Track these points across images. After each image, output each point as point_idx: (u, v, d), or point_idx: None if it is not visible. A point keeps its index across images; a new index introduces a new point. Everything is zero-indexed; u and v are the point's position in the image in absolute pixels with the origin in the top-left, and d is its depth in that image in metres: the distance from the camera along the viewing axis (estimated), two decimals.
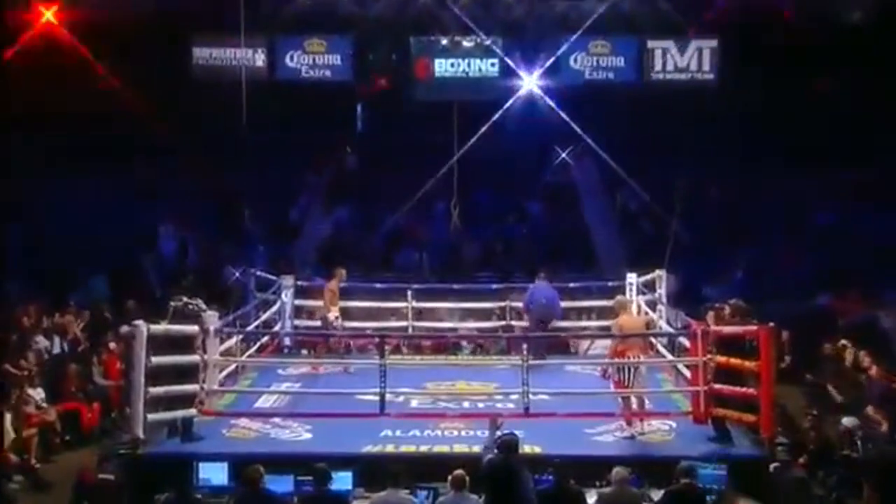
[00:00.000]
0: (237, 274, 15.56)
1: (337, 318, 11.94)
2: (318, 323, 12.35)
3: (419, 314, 14.24)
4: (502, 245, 19.14)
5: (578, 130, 17.84)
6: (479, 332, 13.88)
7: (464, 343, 14.13)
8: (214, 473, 8.06)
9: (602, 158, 18.41)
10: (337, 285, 12.06)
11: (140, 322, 8.59)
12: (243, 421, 9.45)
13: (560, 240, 19.29)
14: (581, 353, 13.55)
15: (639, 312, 12.88)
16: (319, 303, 14.25)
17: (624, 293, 13.15)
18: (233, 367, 10.82)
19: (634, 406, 9.19)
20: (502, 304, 13.27)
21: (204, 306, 9.30)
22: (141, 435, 8.46)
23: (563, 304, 13.95)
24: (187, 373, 8.91)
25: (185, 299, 9.21)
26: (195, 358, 8.99)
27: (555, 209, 20.29)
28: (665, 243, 13.90)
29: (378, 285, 14.42)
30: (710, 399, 8.89)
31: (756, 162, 19.28)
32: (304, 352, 13.47)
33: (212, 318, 9.36)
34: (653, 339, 12.20)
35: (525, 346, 9.28)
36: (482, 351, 14.08)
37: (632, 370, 9.08)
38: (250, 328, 12.02)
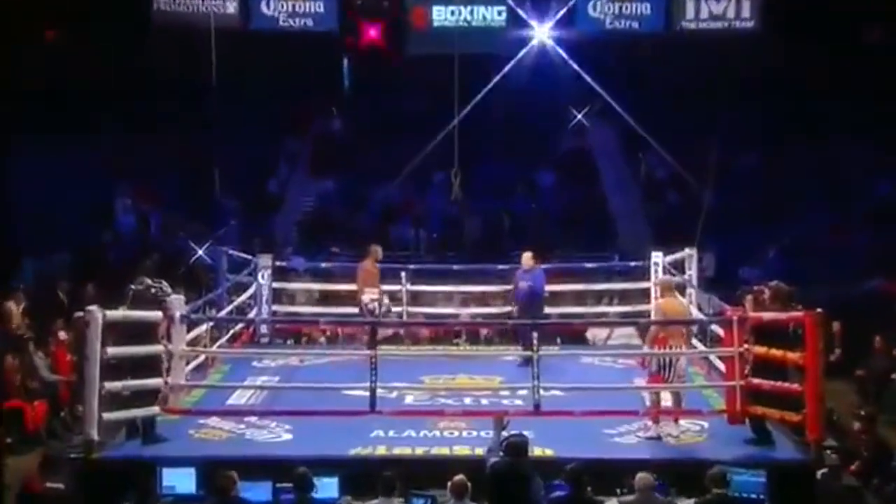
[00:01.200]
0: (206, 253, 15.53)
1: (374, 300, 11.94)
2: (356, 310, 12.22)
3: (415, 298, 14.25)
4: (509, 220, 19.15)
5: (597, 88, 17.76)
6: (483, 318, 13.86)
7: (465, 331, 14.10)
8: (180, 480, 8.02)
9: (624, 120, 18.30)
10: (373, 265, 12.07)
11: (94, 307, 8.53)
12: (213, 420, 9.41)
13: (575, 214, 19.30)
14: (598, 343, 13.55)
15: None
16: (298, 285, 14.22)
17: (648, 275, 13.15)
18: (202, 358, 10.79)
19: (669, 404, 9.16)
20: (509, 287, 13.23)
21: (169, 290, 9.25)
22: (95, 436, 8.41)
23: (579, 286, 13.98)
24: (149, 365, 8.86)
25: (147, 281, 9.15)
26: (158, 348, 8.94)
27: (569, 180, 20.30)
28: (696, 218, 13.85)
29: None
30: (747, 395, 8.84)
31: (800, 124, 19.23)
32: (289, 342, 13.46)
33: (177, 303, 9.30)
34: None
35: (535, 334, 9.21)
36: (486, 340, 14.07)
37: (672, 362, 9.06)
38: (222, 314, 12.00)
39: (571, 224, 18.96)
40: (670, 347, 9.09)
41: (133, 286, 9.10)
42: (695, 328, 11.71)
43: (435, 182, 19.75)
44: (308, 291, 14.74)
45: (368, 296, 12.01)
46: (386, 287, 13.82)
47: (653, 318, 9.62)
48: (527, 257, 11.69)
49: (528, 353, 9.16)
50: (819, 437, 8.48)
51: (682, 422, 9.22)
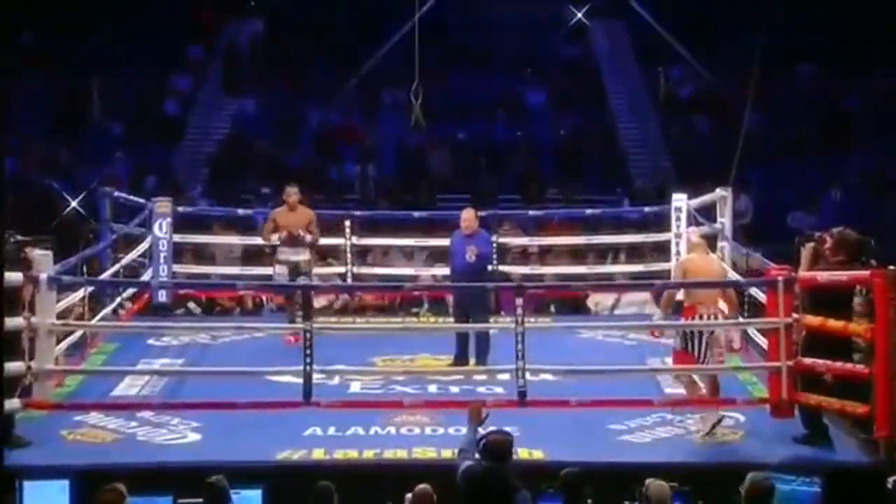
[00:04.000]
0: (83, 197, 15.44)
1: (287, 265, 11.89)
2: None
3: (362, 255, 14.20)
4: (487, 153, 19.12)
5: None
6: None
7: (428, 298, 14.15)
8: (49, 496, 7.97)
9: (638, 19, 18.27)
10: (286, 213, 12.05)
11: None
12: (95, 416, 9.40)
13: (573, 145, 19.30)
14: (602, 313, 13.63)
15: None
16: (209, 239, 14.16)
17: (668, 224, 13.20)
18: (78, 335, 10.72)
19: (703, 391, 9.23)
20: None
21: (33, 246, 9.22)
22: None
23: (578, 240, 13.99)
24: (6, 345, 8.79)
25: (18, 237, 9.12)
26: (18, 322, 8.87)
27: (566, 99, 20.27)
28: (731, 149, 13.86)
29: None
30: (796, 380, 8.91)
31: (869, 30, 19.26)
32: (193, 306, 13.44)
33: (44, 262, 9.23)
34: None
35: (519, 301, 9.23)
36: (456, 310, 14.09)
37: (703, 337, 9.12)
38: (105, 276, 11.93)
39: (569, 158, 18.98)
40: (699, 317, 9.15)
41: None
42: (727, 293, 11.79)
43: (388, 102, 19.66)
44: (225, 248, 14.70)
45: (279, 260, 11.94)
46: (325, 241, 13.79)
47: (673, 276, 9.63)
48: (469, 216, 11.23)
49: (518, 324, 9.10)
50: (890, 435, 8.52)
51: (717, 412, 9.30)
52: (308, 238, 12.04)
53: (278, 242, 11.99)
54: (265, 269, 13.05)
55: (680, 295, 9.81)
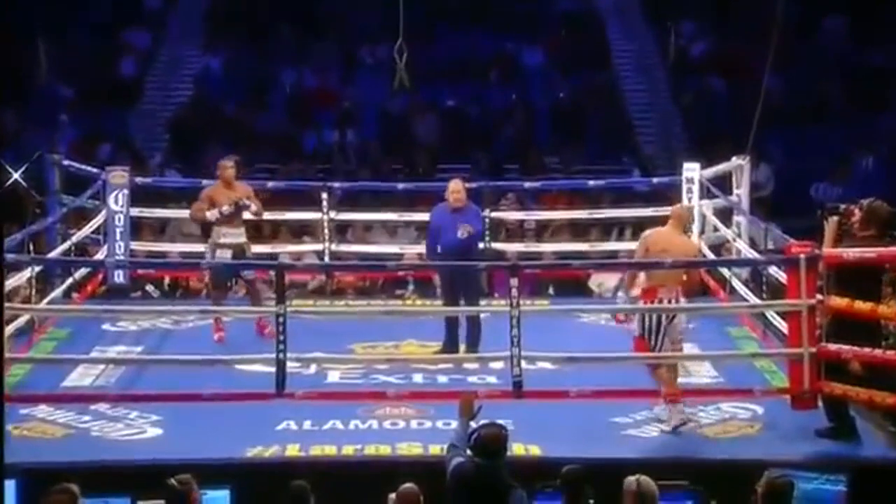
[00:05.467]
0: (29, 167, 15.40)
1: (226, 247, 11.69)
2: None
3: (341, 231, 14.22)
4: (479, 117, 19.10)
5: None
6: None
7: (414, 279, 14.22)
8: None
9: None
10: (223, 189, 11.79)
11: None
12: (43, 409, 9.42)
13: (575, 109, 19.29)
14: (606, 295, 13.70)
15: (704, 230, 12.93)
16: (170, 213, 14.15)
17: (678, 196, 13.24)
18: (24, 319, 10.75)
19: (668, 377, 9.21)
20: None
21: None
22: None
23: (579, 214, 14.02)
24: None
25: None
26: None
27: (566, 59, 20.24)
28: (749, 112, 13.86)
29: (273, 184, 14.39)
30: (820, 368, 8.96)
31: None
32: (151, 289, 13.42)
33: None
34: (727, 273, 12.31)
35: (514, 281, 9.26)
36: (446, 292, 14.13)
37: (662, 320, 9.16)
38: (54, 255, 11.95)
39: (569, 124, 18.96)
40: (659, 301, 9.17)
41: None
42: (743, 271, 11.81)
43: (369, 62, 19.61)
44: (186, 224, 14.70)
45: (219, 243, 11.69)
46: (300, 216, 13.82)
47: (635, 251, 9.65)
48: (457, 188, 11.10)
49: (513, 307, 9.14)
50: None
51: (722, 405, 9.41)
52: (253, 207, 11.68)
53: (218, 216, 11.53)
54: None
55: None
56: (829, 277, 9.02)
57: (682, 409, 9.11)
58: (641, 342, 9.24)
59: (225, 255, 11.61)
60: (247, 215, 11.73)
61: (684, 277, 9.39)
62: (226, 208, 11.51)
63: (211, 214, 11.56)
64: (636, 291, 9.48)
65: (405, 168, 17.84)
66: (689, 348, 10.64)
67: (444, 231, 11.01)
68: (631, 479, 6.95)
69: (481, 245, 11.93)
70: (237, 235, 11.66)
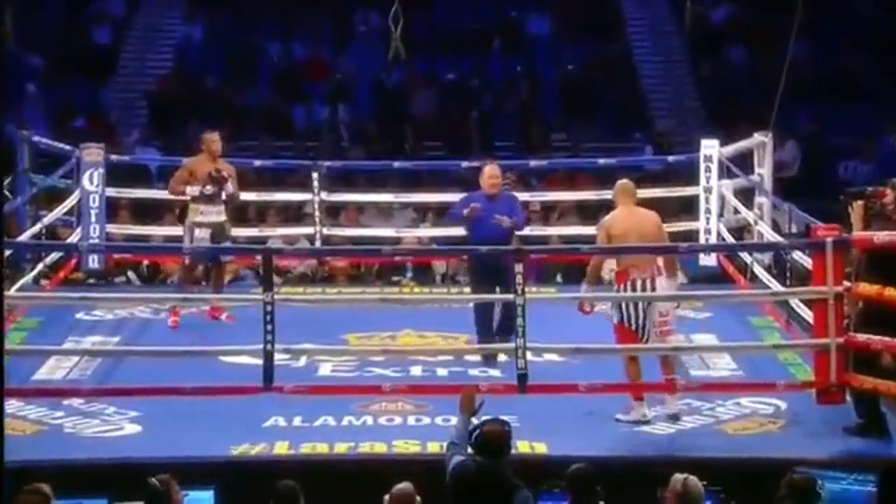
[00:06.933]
0: None
1: (200, 226, 11.76)
2: None
3: (333, 213, 14.22)
4: (480, 92, 19.13)
5: None
6: (440, 244, 13.89)
7: (412, 265, 14.20)
8: None
9: None
10: (207, 162, 11.78)
11: None
12: (13, 404, 9.29)
13: (585, 82, 19.28)
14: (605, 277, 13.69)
15: (723, 213, 12.94)
16: (149, 193, 14.13)
17: (695, 175, 13.25)
18: None
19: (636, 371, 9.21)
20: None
21: None
22: None
23: (588, 195, 14.01)
24: None
25: None
26: None
27: (575, 27, 20.23)
28: (772, 85, 13.86)
29: (260, 163, 14.41)
30: (848, 360, 8.94)
31: None
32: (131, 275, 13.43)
33: None
34: (747, 258, 12.33)
35: (519, 267, 9.26)
36: (447, 279, 14.19)
37: (640, 306, 9.19)
38: (23, 238, 11.93)
39: (578, 97, 18.96)
40: (633, 284, 9.19)
41: None
42: (764, 256, 11.81)
43: (362, 31, 19.60)
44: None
45: (196, 222, 11.69)
46: (281, 196, 13.79)
47: (597, 239, 9.63)
48: (495, 173, 10.88)
49: (518, 294, 9.15)
50: None
51: (742, 399, 9.40)
52: (230, 188, 11.67)
53: (198, 194, 11.53)
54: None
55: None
56: (858, 263, 9.03)
57: (644, 409, 9.15)
58: (622, 330, 9.24)
59: (203, 236, 11.61)
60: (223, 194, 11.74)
61: (656, 259, 9.38)
62: (208, 188, 11.52)
63: (192, 190, 11.57)
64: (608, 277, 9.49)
65: (401, 145, 17.83)
66: (707, 339, 10.73)
67: (481, 219, 10.66)
68: (678, 476, 6.97)
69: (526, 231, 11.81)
70: (217, 214, 11.67)
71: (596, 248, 13.02)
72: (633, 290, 9.20)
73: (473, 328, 10.54)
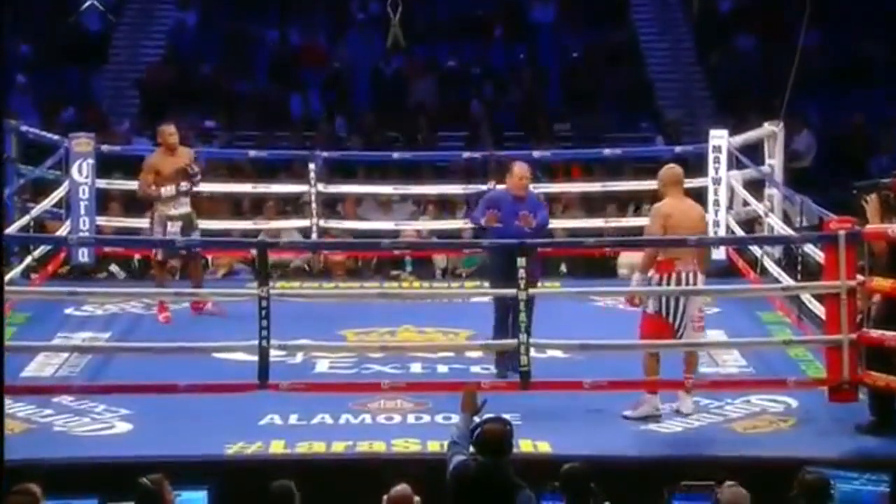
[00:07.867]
0: None
1: (172, 220, 11.77)
2: None
3: (330, 205, 14.20)
4: (481, 80, 19.12)
5: None
6: (440, 237, 13.97)
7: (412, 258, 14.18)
8: None
9: None
10: (167, 157, 11.84)
11: None
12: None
13: (590, 71, 19.26)
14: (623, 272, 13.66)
15: (732, 205, 12.92)
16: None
17: (704, 166, 13.23)
18: None
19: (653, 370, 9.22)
20: (483, 187, 13.26)
21: None
22: None
23: (593, 186, 13.99)
24: None
25: None
26: None
27: (579, 12, 20.23)
28: (783, 73, 13.84)
29: (255, 154, 14.33)
30: (861, 356, 8.96)
31: None
32: (116, 269, 13.49)
33: None
34: (758, 252, 12.31)
35: (522, 261, 9.24)
36: (447, 273, 14.19)
37: (681, 300, 9.18)
38: (10, 231, 11.83)
39: (583, 86, 18.96)
40: (677, 275, 9.17)
41: None
42: (775, 250, 11.82)
43: (359, 19, 19.57)
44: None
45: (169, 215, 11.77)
46: (285, 188, 13.78)
47: (649, 228, 9.60)
48: (523, 174, 10.47)
49: (521, 289, 9.11)
50: None
51: (752, 397, 9.40)
52: (199, 176, 11.92)
53: (174, 193, 11.71)
54: (217, 222, 13.06)
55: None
56: (872, 257, 9.01)
57: (657, 402, 9.17)
58: (654, 320, 9.23)
59: (176, 230, 11.74)
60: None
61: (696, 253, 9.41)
62: (183, 184, 11.70)
63: (166, 191, 11.71)
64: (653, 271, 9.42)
65: (400, 136, 17.82)
66: (716, 335, 10.70)
67: (506, 219, 10.29)
68: (730, 484, 6.99)
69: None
70: (185, 205, 11.86)
71: (601, 242, 13.08)
72: (678, 282, 9.19)
73: (491, 327, 10.23)
